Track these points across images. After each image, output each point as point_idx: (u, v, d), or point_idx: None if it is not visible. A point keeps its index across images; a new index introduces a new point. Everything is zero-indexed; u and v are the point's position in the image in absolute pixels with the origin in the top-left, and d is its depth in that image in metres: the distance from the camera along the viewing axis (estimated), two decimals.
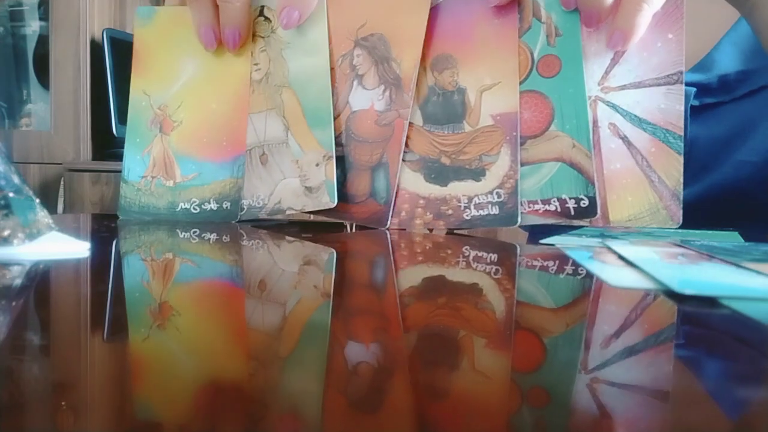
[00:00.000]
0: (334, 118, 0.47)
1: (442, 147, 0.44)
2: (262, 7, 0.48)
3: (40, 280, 0.25)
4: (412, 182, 0.45)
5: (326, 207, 0.46)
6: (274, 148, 0.48)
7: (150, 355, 0.15)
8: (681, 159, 0.40)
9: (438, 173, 0.44)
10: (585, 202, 0.41)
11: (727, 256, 0.29)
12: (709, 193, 0.39)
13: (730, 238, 0.38)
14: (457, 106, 0.44)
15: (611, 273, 0.26)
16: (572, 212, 0.41)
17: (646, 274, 0.25)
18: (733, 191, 0.39)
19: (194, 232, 0.43)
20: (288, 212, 0.47)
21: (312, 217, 0.48)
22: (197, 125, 0.49)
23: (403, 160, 0.45)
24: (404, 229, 0.45)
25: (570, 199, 0.41)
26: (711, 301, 0.20)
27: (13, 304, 0.20)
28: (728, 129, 0.40)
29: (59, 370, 0.14)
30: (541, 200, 0.42)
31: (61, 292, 0.24)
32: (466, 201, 0.43)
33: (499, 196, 0.42)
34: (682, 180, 0.40)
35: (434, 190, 0.44)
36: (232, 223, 0.48)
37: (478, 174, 0.43)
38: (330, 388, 0.13)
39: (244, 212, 0.48)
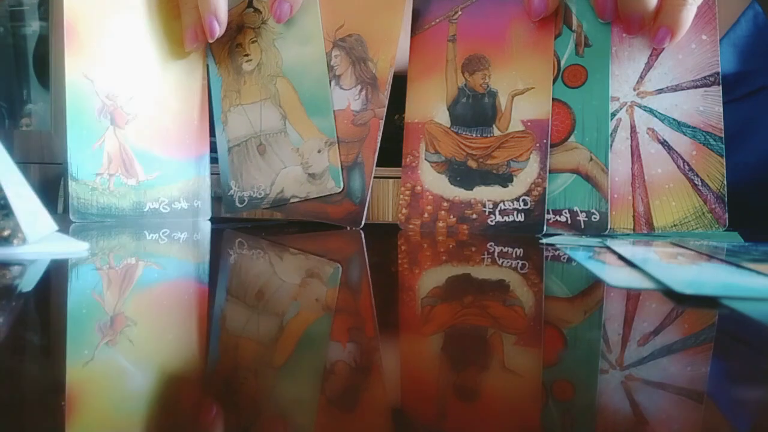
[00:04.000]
0: None
1: (470, 150, 0.44)
2: None
3: (40, 280, 0.25)
4: (437, 184, 0.45)
5: (332, 192, 0.46)
6: (271, 138, 0.48)
7: (145, 354, 0.15)
8: (723, 161, 0.39)
9: (464, 176, 0.44)
10: (596, 217, 0.41)
11: (726, 256, 0.29)
12: None
13: (730, 238, 0.38)
14: (488, 109, 0.44)
15: (611, 273, 0.26)
16: (582, 225, 0.41)
17: (646, 274, 0.25)
18: (729, 193, 0.39)
19: (195, 233, 0.43)
20: (292, 200, 0.47)
21: (271, 216, 0.48)
22: (156, 121, 0.48)
23: (428, 161, 0.45)
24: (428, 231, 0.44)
25: (581, 212, 0.41)
26: (711, 301, 0.20)
27: (13, 304, 0.20)
28: (726, 130, 0.40)
29: (59, 370, 0.14)
30: (552, 210, 0.42)
31: (61, 292, 0.24)
32: (491, 206, 0.43)
33: (525, 204, 0.42)
34: (725, 182, 0.39)
35: (459, 194, 0.44)
36: (238, 226, 0.48)
37: (505, 179, 0.43)
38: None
39: (245, 204, 0.48)
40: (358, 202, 0.46)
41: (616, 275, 0.26)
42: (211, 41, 0.47)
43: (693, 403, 0.13)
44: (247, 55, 0.48)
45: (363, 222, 0.45)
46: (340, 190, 0.46)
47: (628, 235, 0.41)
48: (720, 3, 0.44)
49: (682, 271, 0.25)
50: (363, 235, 0.43)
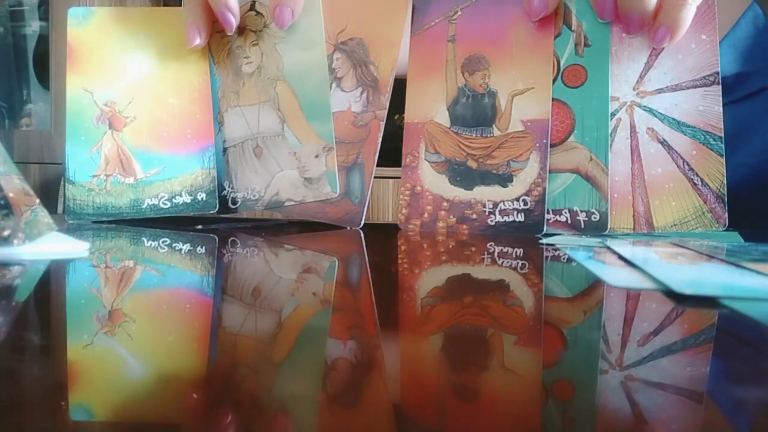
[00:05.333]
0: None
1: (470, 150, 0.44)
2: (254, 2, 0.48)
3: (40, 280, 0.25)
4: (436, 184, 0.45)
5: (328, 197, 0.46)
6: (269, 141, 0.48)
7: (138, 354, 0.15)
8: (723, 160, 0.39)
9: (464, 176, 0.44)
10: (596, 217, 0.41)
11: (726, 256, 0.29)
12: None
13: (730, 238, 0.38)
14: (487, 109, 0.44)
15: (611, 273, 0.26)
16: (582, 225, 0.41)
17: (646, 274, 0.25)
18: (729, 194, 0.39)
19: (196, 232, 0.43)
20: (287, 204, 0.47)
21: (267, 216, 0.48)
22: (155, 120, 0.49)
23: (428, 161, 0.45)
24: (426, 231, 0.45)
25: (581, 212, 0.41)
26: (711, 301, 0.20)
27: (13, 304, 0.20)
28: (725, 131, 0.40)
29: (59, 370, 0.14)
30: (552, 210, 0.42)
31: (61, 292, 0.24)
32: (491, 206, 0.43)
33: (525, 204, 0.42)
34: (725, 181, 0.39)
35: (459, 194, 0.44)
36: (238, 226, 0.48)
37: (505, 179, 0.43)
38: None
39: (239, 205, 0.49)
40: (357, 202, 0.46)
41: (616, 275, 0.26)
42: (230, 33, 0.48)
43: (693, 404, 0.13)
44: (247, 57, 0.49)
45: (362, 222, 0.45)
46: (336, 195, 0.46)
47: (628, 234, 0.41)
48: (720, 4, 0.45)
49: (682, 271, 0.25)
50: (362, 235, 0.43)
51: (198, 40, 0.48)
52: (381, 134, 0.46)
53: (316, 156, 0.46)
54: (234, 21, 0.46)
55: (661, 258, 0.29)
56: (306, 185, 0.46)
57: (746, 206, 0.44)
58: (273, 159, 0.48)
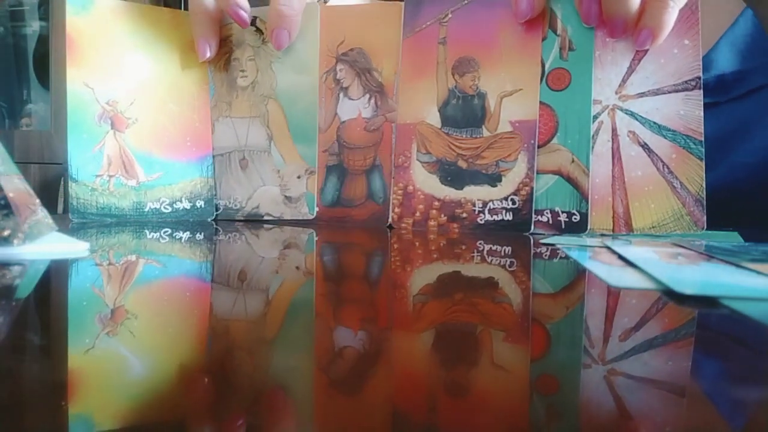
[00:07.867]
0: (325, 130, 0.48)
1: (460, 150, 0.45)
2: (255, 18, 0.49)
3: (41, 280, 0.25)
4: (428, 183, 0.46)
5: (305, 218, 0.48)
6: (255, 155, 0.49)
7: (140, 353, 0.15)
8: (702, 164, 0.40)
9: (454, 176, 0.45)
10: (576, 217, 0.42)
11: (726, 256, 0.29)
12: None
13: (730, 238, 0.38)
14: (477, 110, 0.44)
15: (611, 273, 0.26)
16: (563, 225, 0.42)
17: (646, 274, 0.25)
18: (728, 192, 0.39)
19: (195, 232, 0.43)
20: (266, 217, 0.49)
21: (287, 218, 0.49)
22: (157, 124, 0.49)
23: (420, 161, 0.46)
24: (419, 230, 0.45)
25: (563, 212, 0.42)
26: (711, 301, 0.20)
27: (13, 304, 0.20)
28: (724, 129, 0.40)
29: (59, 370, 0.14)
30: (534, 210, 0.43)
31: (61, 292, 0.24)
32: (480, 205, 0.44)
33: (513, 203, 0.43)
34: (704, 185, 0.40)
35: (450, 193, 0.45)
36: (236, 225, 0.48)
37: (494, 179, 0.44)
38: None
39: (220, 212, 0.50)
40: (381, 202, 0.47)
41: (616, 275, 0.26)
42: (245, 27, 0.48)
43: (692, 404, 0.13)
44: (243, 71, 0.50)
45: (389, 220, 0.47)
46: (312, 217, 0.48)
47: (627, 235, 0.41)
48: (719, 2, 0.45)
49: (682, 271, 0.25)
50: (389, 233, 0.44)
51: (209, 53, 0.49)
52: (395, 135, 0.47)
53: (298, 177, 0.48)
54: (247, 17, 0.48)
55: (660, 258, 0.29)
56: (285, 203, 0.49)
57: (745, 205, 0.44)
58: (257, 173, 0.49)
